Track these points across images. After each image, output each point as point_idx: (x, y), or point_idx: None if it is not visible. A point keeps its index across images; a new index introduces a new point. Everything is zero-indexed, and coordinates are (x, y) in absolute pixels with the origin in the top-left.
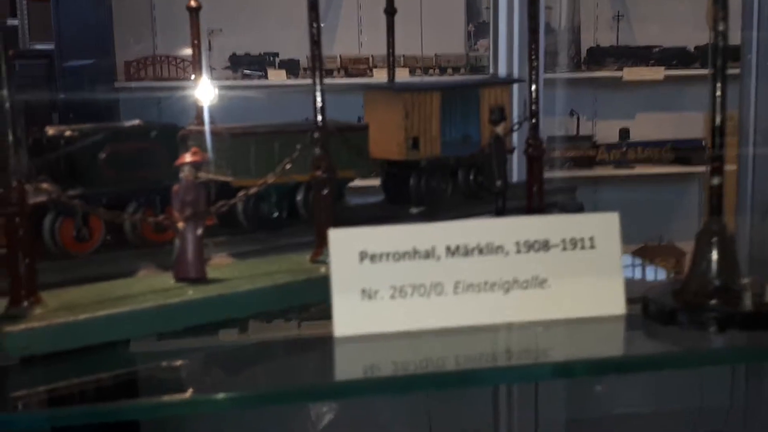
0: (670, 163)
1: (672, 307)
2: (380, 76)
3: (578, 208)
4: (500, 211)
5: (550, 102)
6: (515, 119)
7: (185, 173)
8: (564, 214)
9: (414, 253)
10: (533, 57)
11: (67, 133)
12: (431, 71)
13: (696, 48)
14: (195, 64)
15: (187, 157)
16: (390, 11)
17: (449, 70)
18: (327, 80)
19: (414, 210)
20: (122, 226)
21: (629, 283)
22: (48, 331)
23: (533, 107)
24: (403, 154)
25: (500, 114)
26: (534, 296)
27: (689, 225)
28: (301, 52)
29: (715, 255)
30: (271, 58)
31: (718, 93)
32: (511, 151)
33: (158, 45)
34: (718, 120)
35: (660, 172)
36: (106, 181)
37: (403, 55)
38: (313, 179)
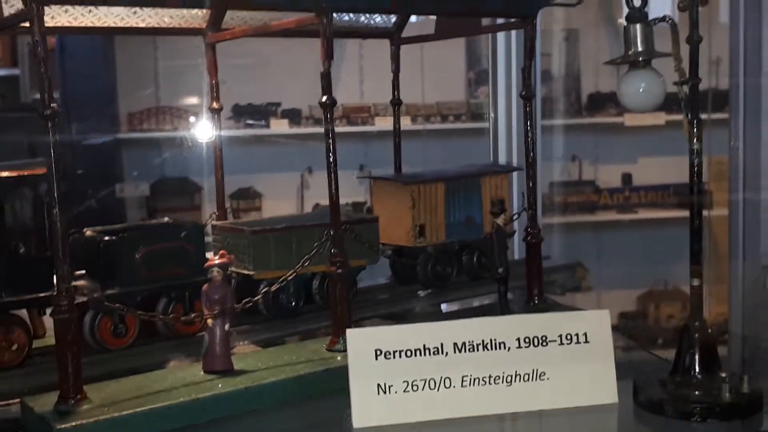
0: (673, 207)
1: (659, 397)
2: (382, 123)
3: (577, 287)
4: (503, 296)
5: (551, 148)
6: (514, 201)
7: (214, 274)
8: (559, 313)
9: (424, 350)
10: (530, 153)
11: (106, 238)
12: (432, 119)
13: None
14: (217, 159)
15: (216, 260)
16: (396, 102)
17: (450, 117)
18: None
19: (422, 293)
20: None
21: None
22: (95, 427)
23: (531, 199)
24: (410, 241)
25: (501, 206)
26: (534, 388)
27: None
28: (303, 102)
29: (697, 351)
30: (274, 108)
31: (695, 200)
32: (512, 234)
33: (161, 97)
34: (696, 223)
35: (663, 216)
36: (141, 279)
37: (405, 104)
38: (330, 275)
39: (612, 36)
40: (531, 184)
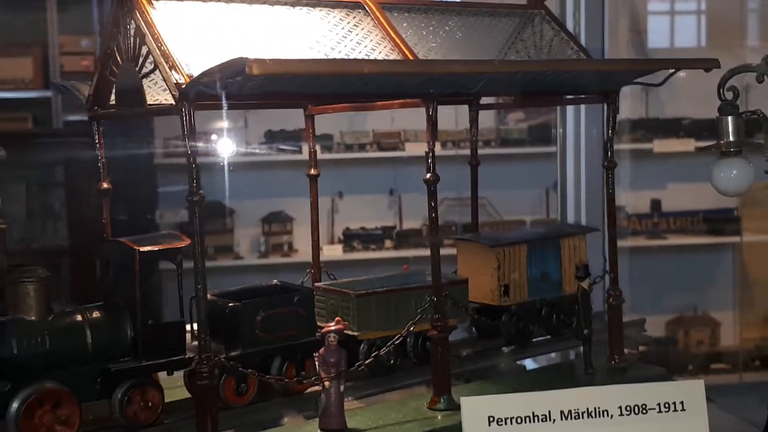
0: (702, 234)
1: None
2: (411, 149)
3: (647, 341)
4: (587, 354)
5: None
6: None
7: (330, 339)
8: (657, 383)
9: (533, 417)
10: (612, 223)
11: (230, 304)
12: (462, 144)
13: None
14: (313, 221)
15: (332, 326)
16: (475, 164)
17: (480, 143)
18: (360, 154)
19: (505, 349)
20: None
21: None
22: None
23: (612, 262)
24: (496, 300)
25: (585, 271)
26: None
27: (723, 295)
28: (335, 128)
29: None
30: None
31: None
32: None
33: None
34: None
35: (692, 242)
36: (260, 341)
37: None
38: (431, 338)
39: None
40: (612, 248)
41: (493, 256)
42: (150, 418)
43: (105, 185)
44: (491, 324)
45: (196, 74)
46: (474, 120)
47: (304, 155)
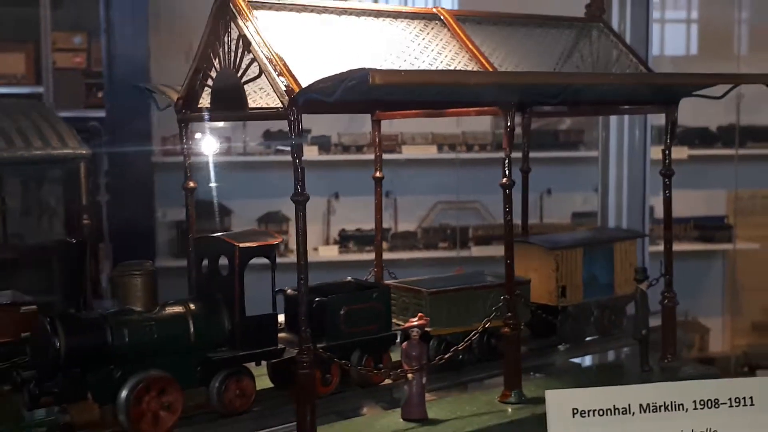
0: (693, 240)
1: None
2: (409, 152)
3: (690, 345)
4: (644, 354)
5: (574, 179)
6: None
7: (413, 333)
8: (729, 379)
9: (614, 410)
10: (668, 227)
11: (317, 298)
12: (458, 147)
13: (718, 128)
14: (378, 222)
15: (415, 321)
16: (526, 170)
17: (476, 147)
18: (357, 156)
19: (561, 347)
20: (350, 370)
21: None
22: None
23: (668, 264)
24: (553, 301)
25: (644, 274)
26: None
27: (713, 301)
28: (332, 130)
29: None
30: (304, 135)
31: None
32: None
33: None
34: None
35: (683, 249)
36: (343, 334)
37: (432, 133)
38: (504, 336)
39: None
40: (667, 251)
41: (552, 258)
42: (244, 406)
43: (191, 184)
44: (546, 322)
45: (302, 81)
46: (527, 127)
47: (305, 156)
